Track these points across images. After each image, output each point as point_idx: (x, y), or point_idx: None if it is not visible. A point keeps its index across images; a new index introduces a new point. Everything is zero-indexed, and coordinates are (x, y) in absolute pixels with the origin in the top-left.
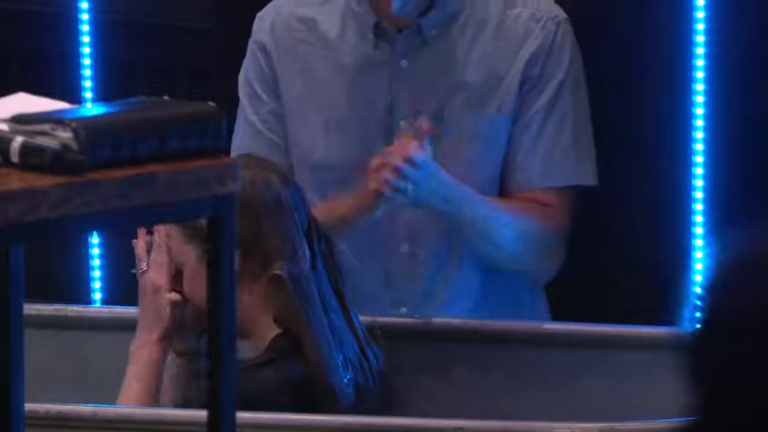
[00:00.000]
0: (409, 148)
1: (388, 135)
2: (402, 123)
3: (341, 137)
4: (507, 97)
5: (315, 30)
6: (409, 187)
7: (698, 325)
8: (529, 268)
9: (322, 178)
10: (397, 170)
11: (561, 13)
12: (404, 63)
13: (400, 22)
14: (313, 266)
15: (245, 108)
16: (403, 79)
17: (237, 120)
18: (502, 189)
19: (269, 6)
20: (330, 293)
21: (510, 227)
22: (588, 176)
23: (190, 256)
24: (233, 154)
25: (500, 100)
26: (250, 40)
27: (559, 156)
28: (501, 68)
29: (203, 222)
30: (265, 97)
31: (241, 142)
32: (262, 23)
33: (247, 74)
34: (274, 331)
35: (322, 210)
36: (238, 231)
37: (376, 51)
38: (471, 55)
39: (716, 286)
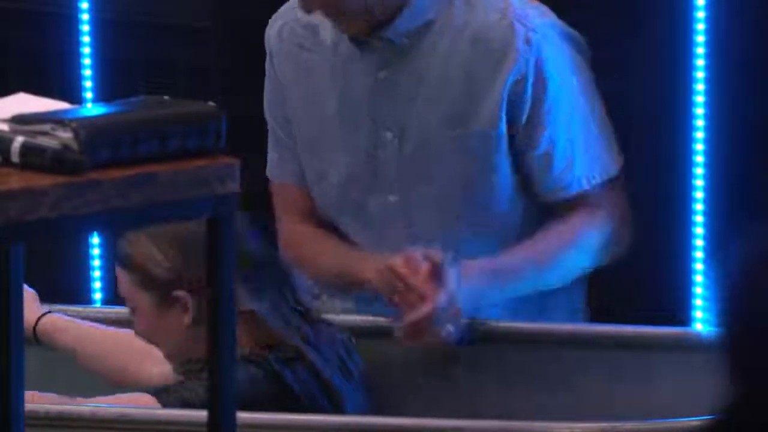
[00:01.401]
0: (428, 296)
1: (376, 148)
2: (388, 134)
3: (333, 150)
4: (492, 113)
5: (316, 36)
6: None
7: (728, 326)
8: (601, 265)
9: (319, 190)
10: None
11: (543, 19)
12: (383, 74)
13: (366, 32)
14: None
15: (266, 113)
16: (383, 90)
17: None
18: (548, 204)
19: (280, 11)
20: (296, 316)
21: (566, 255)
22: (621, 161)
23: (145, 302)
24: (270, 166)
25: (486, 115)
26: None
27: (592, 153)
28: (481, 84)
29: (158, 270)
30: (275, 103)
31: (271, 153)
32: (270, 29)
33: (266, 78)
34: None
35: (312, 259)
36: (196, 272)
37: (361, 61)
38: (448, 68)
39: (745, 286)
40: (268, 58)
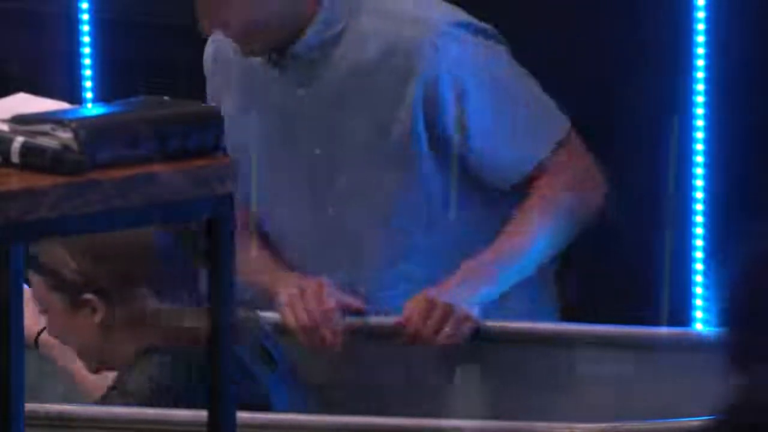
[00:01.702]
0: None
1: (308, 166)
2: (317, 150)
3: (272, 170)
4: (408, 117)
5: (247, 59)
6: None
7: (729, 326)
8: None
9: (260, 208)
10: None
11: (449, 19)
12: (301, 92)
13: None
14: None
15: None
16: (304, 108)
17: None
18: (518, 191)
19: (215, 34)
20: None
21: (550, 234)
22: (566, 121)
23: (56, 304)
24: None
25: (403, 120)
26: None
27: (533, 132)
28: (394, 91)
29: (67, 272)
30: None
31: None
32: (208, 47)
33: (207, 98)
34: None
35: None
36: (104, 275)
37: (280, 81)
38: (361, 77)
39: (746, 286)
40: (207, 79)
